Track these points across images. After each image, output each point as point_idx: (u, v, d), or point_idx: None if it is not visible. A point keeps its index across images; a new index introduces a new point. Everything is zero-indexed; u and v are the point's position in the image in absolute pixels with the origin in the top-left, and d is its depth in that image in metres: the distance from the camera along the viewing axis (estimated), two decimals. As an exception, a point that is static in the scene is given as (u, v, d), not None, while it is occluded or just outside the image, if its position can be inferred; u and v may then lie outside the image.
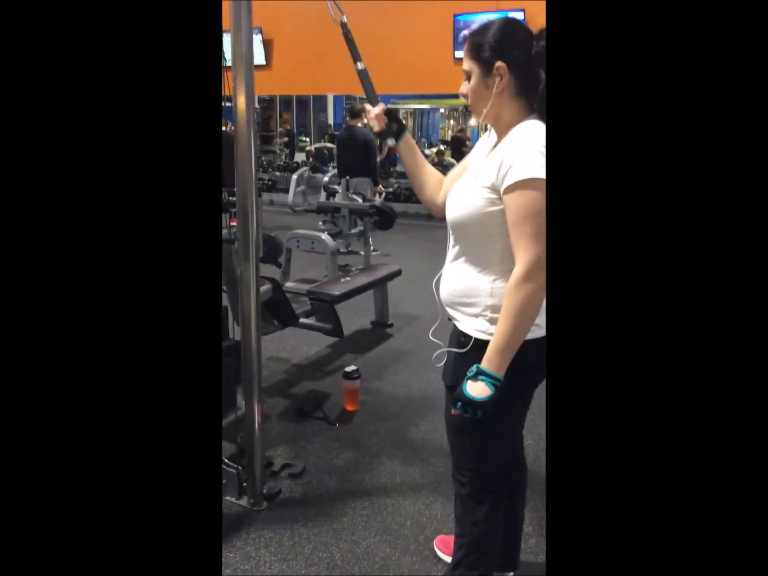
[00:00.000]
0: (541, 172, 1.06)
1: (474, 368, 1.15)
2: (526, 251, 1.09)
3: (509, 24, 1.18)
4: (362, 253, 4.80)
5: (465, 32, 1.22)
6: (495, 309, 1.18)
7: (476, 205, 1.17)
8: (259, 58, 5.31)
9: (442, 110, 13.15)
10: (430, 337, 1.32)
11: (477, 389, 1.14)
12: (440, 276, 1.32)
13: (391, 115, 1.40)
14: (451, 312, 1.28)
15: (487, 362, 1.14)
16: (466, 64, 1.19)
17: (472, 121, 10.75)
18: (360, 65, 1.47)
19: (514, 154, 1.11)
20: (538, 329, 1.19)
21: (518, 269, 1.10)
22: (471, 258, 1.23)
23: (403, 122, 1.44)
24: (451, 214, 1.24)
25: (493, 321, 1.18)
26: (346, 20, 1.51)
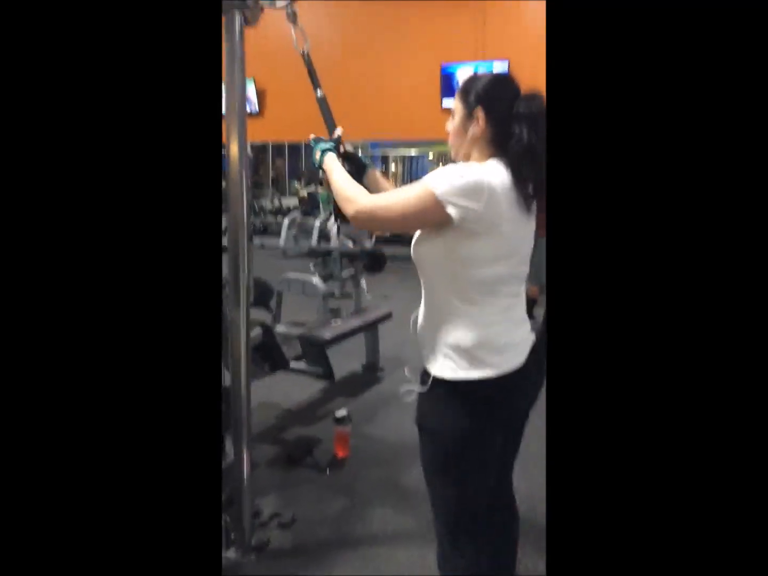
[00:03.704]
0: (433, 183, 1.12)
1: (326, 146, 1.40)
2: (380, 197, 1.22)
3: (500, 79, 1.27)
4: (353, 296, 4.80)
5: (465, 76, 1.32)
6: (452, 346, 1.20)
7: (428, 238, 1.23)
8: (252, 106, 5.42)
9: (430, 156, 13.41)
10: (406, 373, 1.31)
11: (315, 154, 1.41)
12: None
13: (347, 156, 1.46)
14: (420, 348, 1.30)
15: (325, 159, 1.38)
16: (454, 104, 1.28)
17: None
18: (319, 92, 1.53)
19: None
20: (492, 369, 1.19)
21: (371, 197, 1.22)
22: (430, 294, 1.28)
23: (364, 161, 1.49)
24: (413, 253, 1.30)
25: (451, 358, 1.20)
26: (308, 50, 1.57)
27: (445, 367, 1.21)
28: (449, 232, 1.16)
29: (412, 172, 14.42)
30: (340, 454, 2.57)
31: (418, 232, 1.26)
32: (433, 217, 1.14)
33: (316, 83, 1.54)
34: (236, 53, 1.68)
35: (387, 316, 3.58)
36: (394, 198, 1.20)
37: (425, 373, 1.26)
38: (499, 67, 4.37)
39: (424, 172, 14.68)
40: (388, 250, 5.42)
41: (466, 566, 1.33)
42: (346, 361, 3.62)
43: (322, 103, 1.53)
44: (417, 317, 1.32)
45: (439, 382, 1.21)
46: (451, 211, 1.11)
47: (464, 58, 4.37)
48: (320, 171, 1.41)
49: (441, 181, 1.12)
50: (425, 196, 1.13)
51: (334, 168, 1.36)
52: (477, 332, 1.19)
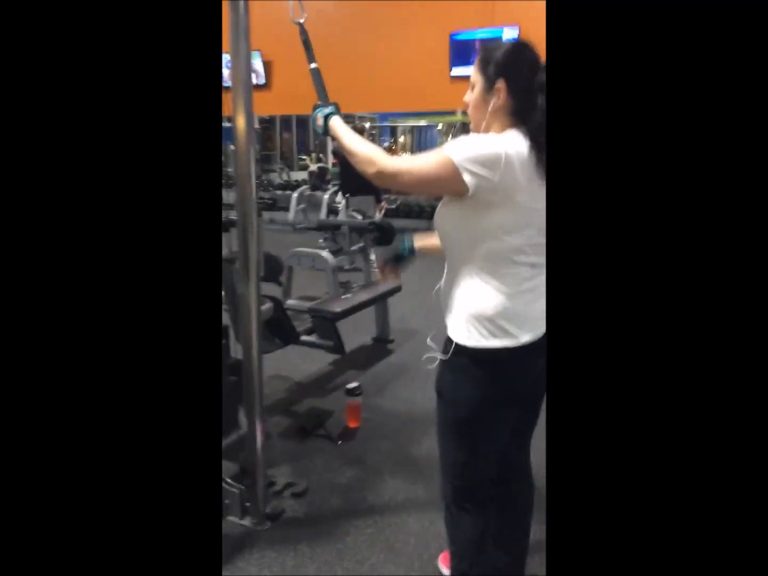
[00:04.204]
0: (451, 151, 1.14)
1: (327, 110, 1.41)
2: (403, 160, 1.24)
3: (519, 47, 1.25)
4: (363, 270, 4.81)
5: (479, 41, 1.29)
6: (474, 315, 1.22)
7: (447, 210, 1.25)
8: (259, 78, 5.36)
9: (439, 127, 13.25)
10: (428, 342, 1.33)
11: (318, 121, 1.42)
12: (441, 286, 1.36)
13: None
14: (444, 317, 1.32)
15: (330, 123, 1.39)
16: (473, 75, 1.26)
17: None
18: (313, 65, 1.53)
19: None
20: (513, 339, 1.21)
21: (393, 159, 1.23)
22: (453, 264, 1.29)
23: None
24: (435, 225, 1.32)
25: (473, 327, 1.22)
26: (304, 21, 1.56)
27: (465, 335, 1.23)
28: (466, 203, 1.17)
29: (421, 142, 14.28)
30: (352, 425, 2.61)
31: (439, 206, 1.28)
32: (450, 184, 1.16)
33: (310, 56, 1.53)
34: (240, 24, 1.66)
35: (397, 289, 3.59)
36: (415, 162, 1.20)
37: (448, 341, 1.28)
38: (509, 33, 4.27)
39: (434, 142, 14.55)
40: (397, 223, 5.40)
41: (469, 528, 1.37)
42: (357, 333, 3.65)
43: (316, 74, 1.52)
44: (440, 287, 1.33)
45: (460, 350, 1.24)
46: (467, 178, 1.12)
47: (474, 26, 4.27)
48: (329, 139, 1.41)
49: (459, 150, 1.14)
50: (444, 162, 1.14)
51: (344, 129, 1.36)
52: (497, 302, 1.21)
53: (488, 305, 1.21)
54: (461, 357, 1.24)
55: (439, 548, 1.83)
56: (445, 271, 1.32)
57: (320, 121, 1.41)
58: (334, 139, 1.40)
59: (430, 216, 7.59)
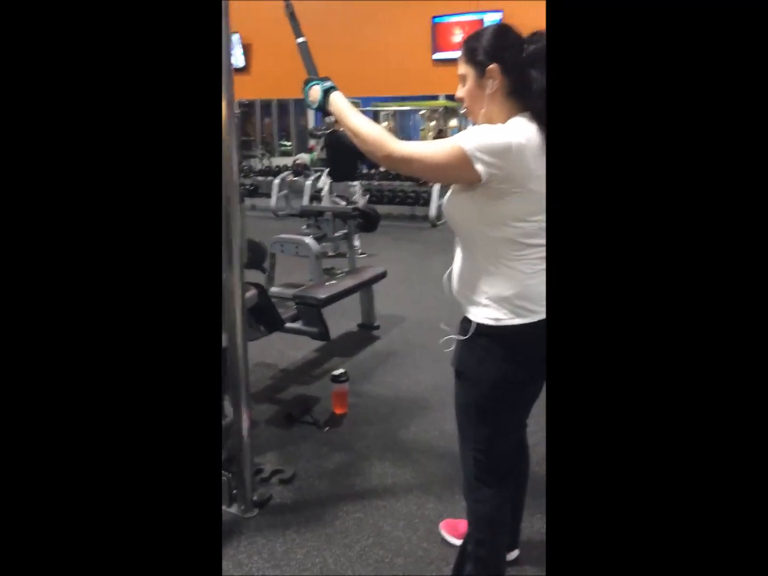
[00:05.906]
0: (462, 140, 1.15)
1: (327, 84, 1.34)
2: (413, 145, 1.21)
3: (501, 29, 1.27)
4: (347, 256, 4.80)
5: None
6: (493, 298, 1.25)
7: (458, 199, 1.26)
8: (238, 62, 5.28)
9: (422, 111, 13.17)
10: (442, 326, 1.37)
11: (314, 94, 1.36)
12: (451, 270, 1.38)
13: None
14: (460, 300, 1.35)
15: (332, 97, 1.32)
16: (462, 69, 1.27)
17: (453, 122, 10.80)
18: (301, 39, 1.48)
19: None
20: (535, 315, 1.23)
21: (403, 143, 1.21)
22: (467, 250, 1.31)
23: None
24: (446, 213, 1.33)
25: (493, 308, 1.25)
26: None
27: (487, 315, 1.26)
28: (478, 192, 1.18)
29: (404, 127, 14.21)
30: (338, 411, 2.61)
31: (449, 194, 1.28)
32: (462, 173, 1.16)
33: (297, 30, 1.48)
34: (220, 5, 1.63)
35: (382, 276, 3.58)
36: (426, 149, 1.20)
37: (466, 321, 1.30)
38: (492, 17, 4.25)
39: (416, 127, 14.48)
40: (382, 209, 5.39)
41: (489, 500, 1.41)
42: (342, 320, 3.64)
43: (304, 48, 1.46)
44: (450, 273, 1.36)
45: (481, 330, 1.26)
46: (479, 167, 1.13)
47: (456, 9, 4.24)
48: (322, 114, 1.36)
49: (470, 139, 1.14)
50: (455, 151, 1.15)
51: (347, 106, 1.31)
52: (515, 284, 1.23)
53: (505, 288, 1.23)
54: (482, 337, 1.26)
55: (427, 531, 1.85)
56: (458, 255, 1.33)
57: (317, 95, 1.34)
58: (329, 114, 1.35)
59: (413, 202, 7.59)
